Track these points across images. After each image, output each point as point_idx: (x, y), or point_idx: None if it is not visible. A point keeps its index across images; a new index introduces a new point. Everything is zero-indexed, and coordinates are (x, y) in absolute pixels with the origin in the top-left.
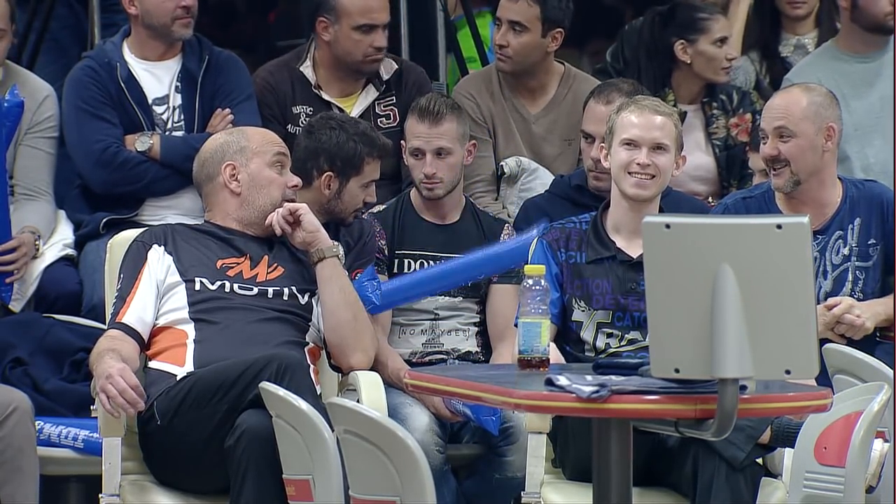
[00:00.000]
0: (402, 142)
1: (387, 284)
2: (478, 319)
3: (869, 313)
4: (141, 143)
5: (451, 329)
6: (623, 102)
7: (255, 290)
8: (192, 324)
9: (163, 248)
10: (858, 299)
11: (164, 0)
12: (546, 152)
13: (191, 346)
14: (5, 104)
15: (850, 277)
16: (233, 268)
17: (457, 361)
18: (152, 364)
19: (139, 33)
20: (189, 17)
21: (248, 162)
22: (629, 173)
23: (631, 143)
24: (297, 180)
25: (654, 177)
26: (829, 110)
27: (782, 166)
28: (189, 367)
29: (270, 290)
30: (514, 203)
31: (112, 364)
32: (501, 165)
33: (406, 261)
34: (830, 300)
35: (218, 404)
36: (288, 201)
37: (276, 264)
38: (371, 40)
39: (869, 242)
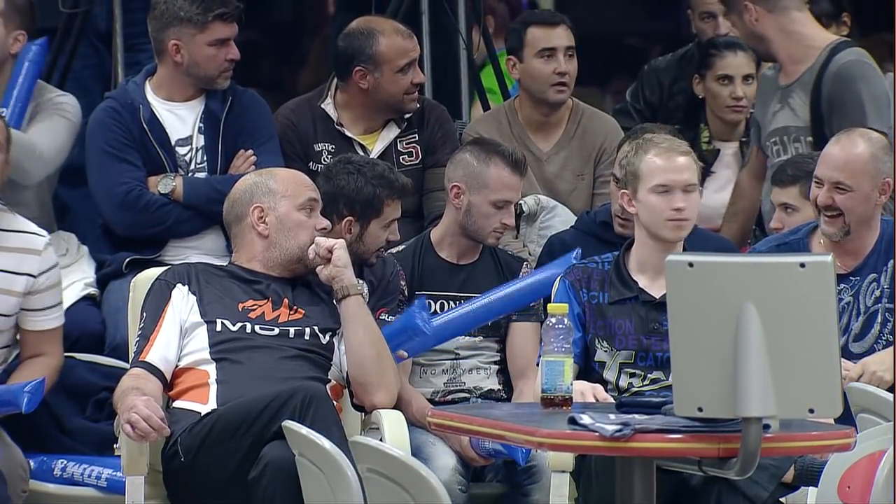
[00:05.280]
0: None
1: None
2: (498, 358)
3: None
4: (164, 185)
5: (472, 368)
6: (638, 144)
7: (277, 330)
8: (214, 364)
9: (187, 287)
10: (886, 342)
11: (216, 54)
12: (560, 188)
13: (213, 386)
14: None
15: (879, 319)
16: (254, 310)
17: (479, 400)
18: (176, 404)
19: (172, 77)
20: (231, 69)
21: (276, 204)
22: (667, 219)
23: (664, 188)
24: (325, 223)
25: (689, 218)
26: (887, 164)
27: (836, 215)
28: (213, 405)
29: (292, 329)
30: (535, 241)
31: (136, 397)
32: (520, 204)
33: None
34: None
35: (242, 438)
36: None
37: (296, 306)
38: (410, 77)
39: None
